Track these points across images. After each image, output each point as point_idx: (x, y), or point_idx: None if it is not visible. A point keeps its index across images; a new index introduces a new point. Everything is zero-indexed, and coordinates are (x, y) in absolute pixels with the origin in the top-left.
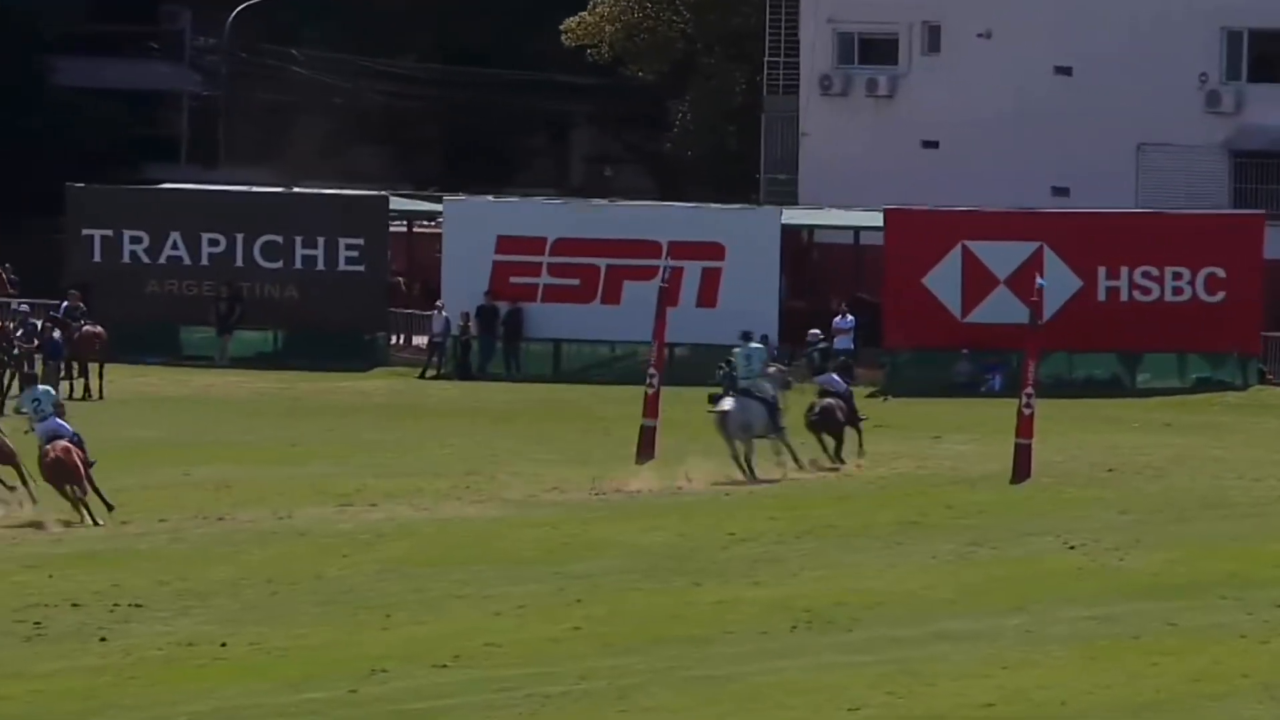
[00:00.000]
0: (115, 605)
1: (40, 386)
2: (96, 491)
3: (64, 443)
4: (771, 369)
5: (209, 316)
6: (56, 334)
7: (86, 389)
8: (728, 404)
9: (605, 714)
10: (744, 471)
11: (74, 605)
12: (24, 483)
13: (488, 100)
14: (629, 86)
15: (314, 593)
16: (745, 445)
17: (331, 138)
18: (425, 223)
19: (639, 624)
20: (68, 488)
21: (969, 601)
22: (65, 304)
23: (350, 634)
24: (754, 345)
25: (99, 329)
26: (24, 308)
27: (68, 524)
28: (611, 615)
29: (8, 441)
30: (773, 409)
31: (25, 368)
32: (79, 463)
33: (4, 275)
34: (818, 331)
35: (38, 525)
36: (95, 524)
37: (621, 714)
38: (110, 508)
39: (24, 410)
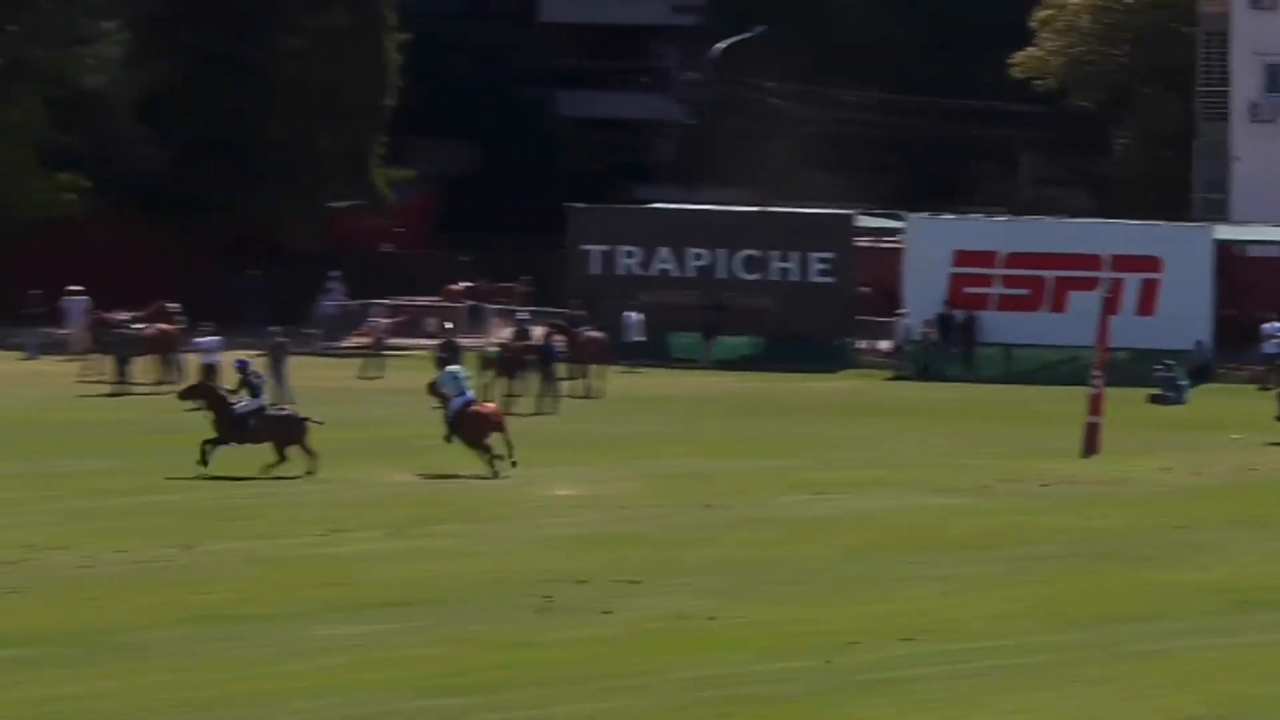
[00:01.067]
0: (615, 582)
1: (456, 366)
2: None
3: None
4: None
5: (695, 323)
6: (558, 339)
7: (588, 389)
8: None
9: (1058, 684)
10: None
11: (579, 582)
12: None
13: (942, 127)
14: (1072, 114)
15: (789, 573)
16: None
17: (801, 161)
18: (887, 238)
19: (1083, 603)
20: (494, 437)
21: None
22: (629, 314)
23: (822, 610)
24: None
25: (599, 334)
26: (523, 316)
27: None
28: (1057, 595)
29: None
30: None
31: (534, 369)
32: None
33: (520, 288)
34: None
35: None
36: (514, 465)
37: (1072, 684)
38: (514, 464)
39: (443, 388)
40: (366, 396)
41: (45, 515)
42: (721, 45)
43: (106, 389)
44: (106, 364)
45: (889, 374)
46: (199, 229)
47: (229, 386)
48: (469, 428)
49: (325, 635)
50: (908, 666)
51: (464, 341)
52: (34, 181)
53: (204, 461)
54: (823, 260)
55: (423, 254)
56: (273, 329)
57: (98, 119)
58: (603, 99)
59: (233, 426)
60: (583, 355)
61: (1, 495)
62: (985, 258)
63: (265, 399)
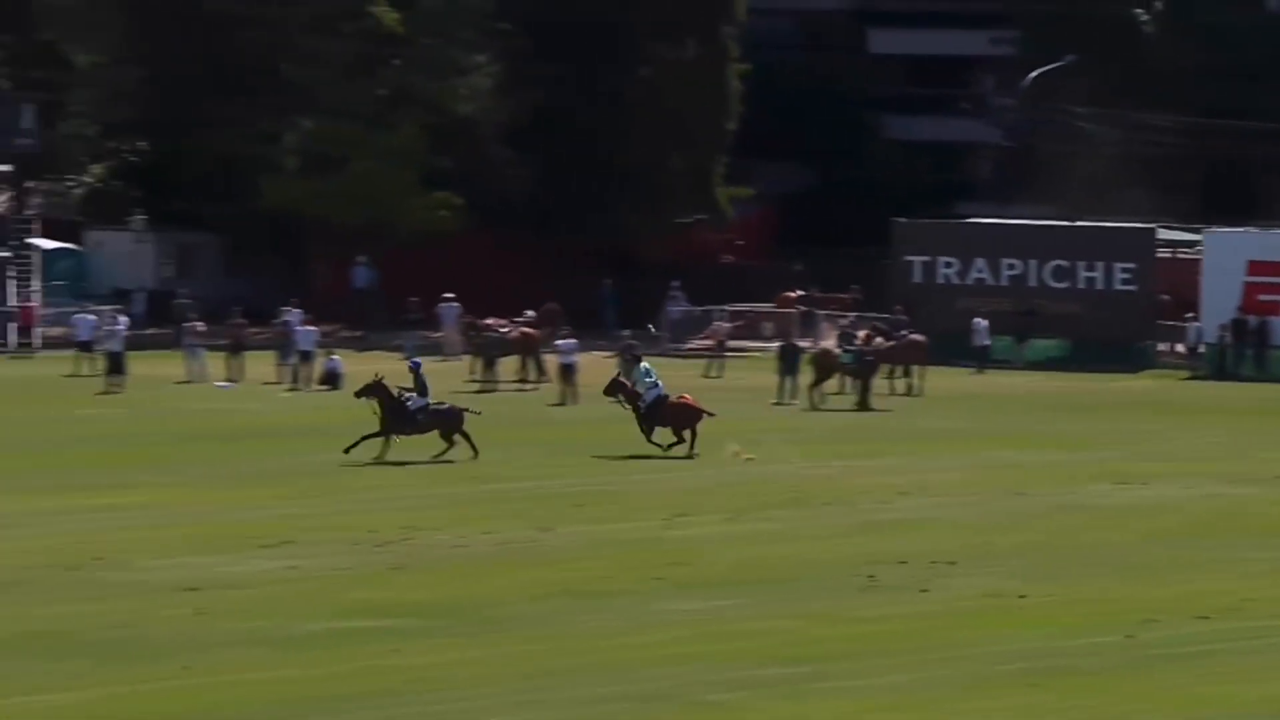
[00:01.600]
0: (933, 563)
1: (646, 364)
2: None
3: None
4: None
5: (1009, 328)
6: (880, 342)
7: (909, 388)
8: None
9: None
10: None
11: (900, 562)
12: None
13: (1239, 148)
14: None
15: (1094, 556)
16: None
17: (1107, 179)
18: (1185, 250)
19: None
20: (693, 428)
21: None
22: (978, 320)
23: (1124, 590)
24: None
25: (920, 338)
26: (845, 321)
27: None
28: None
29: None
30: None
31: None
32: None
33: (850, 296)
34: None
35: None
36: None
37: None
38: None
39: (639, 381)
40: (708, 394)
41: (421, 500)
42: (1035, 73)
43: (476, 386)
44: (476, 364)
45: (1186, 374)
46: (559, 242)
47: (405, 385)
48: (675, 417)
49: (671, 610)
50: (1203, 643)
51: (801, 344)
52: (414, 200)
53: (381, 454)
54: (1126, 270)
55: (760, 265)
56: (624, 333)
57: (470, 143)
58: (926, 123)
59: (401, 420)
60: (904, 356)
61: (382, 481)
62: (1277, 268)
63: (430, 398)
